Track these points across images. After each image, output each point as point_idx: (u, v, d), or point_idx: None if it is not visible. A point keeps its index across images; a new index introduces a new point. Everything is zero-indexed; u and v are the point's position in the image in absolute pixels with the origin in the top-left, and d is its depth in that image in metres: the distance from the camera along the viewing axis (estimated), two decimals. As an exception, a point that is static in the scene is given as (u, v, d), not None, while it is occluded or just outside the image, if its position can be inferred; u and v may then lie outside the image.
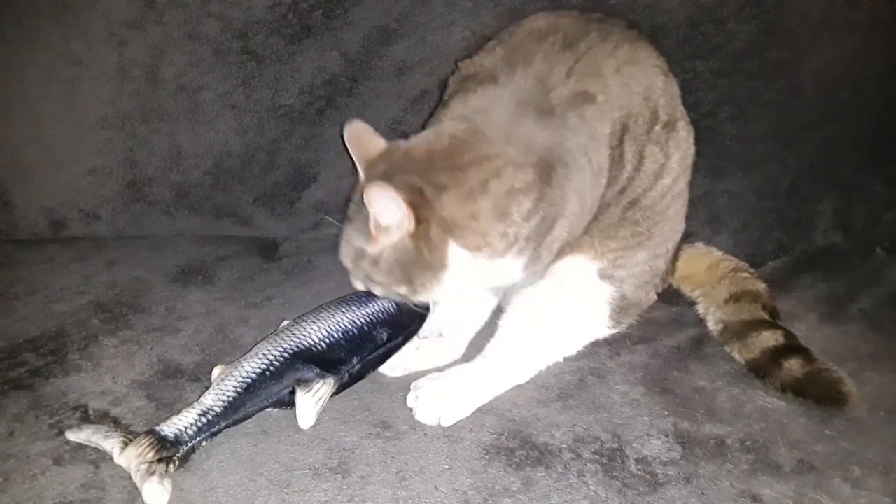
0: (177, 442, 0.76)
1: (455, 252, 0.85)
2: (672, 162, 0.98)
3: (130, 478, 0.74)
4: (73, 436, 0.80)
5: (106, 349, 0.98)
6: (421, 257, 0.84)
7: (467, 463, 0.79)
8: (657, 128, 0.96)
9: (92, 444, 0.78)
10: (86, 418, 0.84)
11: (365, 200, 0.82)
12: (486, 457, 0.80)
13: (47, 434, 0.82)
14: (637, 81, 0.95)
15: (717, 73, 1.26)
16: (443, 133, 0.88)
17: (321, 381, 0.83)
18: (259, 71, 1.30)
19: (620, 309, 1.01)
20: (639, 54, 0.97)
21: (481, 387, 0.90)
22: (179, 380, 0.93)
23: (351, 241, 0.89)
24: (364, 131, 0.90)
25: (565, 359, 0.98)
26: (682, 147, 0.99)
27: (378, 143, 0.90)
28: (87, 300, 1.11)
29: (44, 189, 1.35)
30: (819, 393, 0.91)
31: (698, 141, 1.03)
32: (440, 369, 0.93)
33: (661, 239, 1.01)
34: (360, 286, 0.92)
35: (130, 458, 0.74)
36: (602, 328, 1.02)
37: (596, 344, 1.02)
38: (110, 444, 0.76)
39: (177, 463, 0.75)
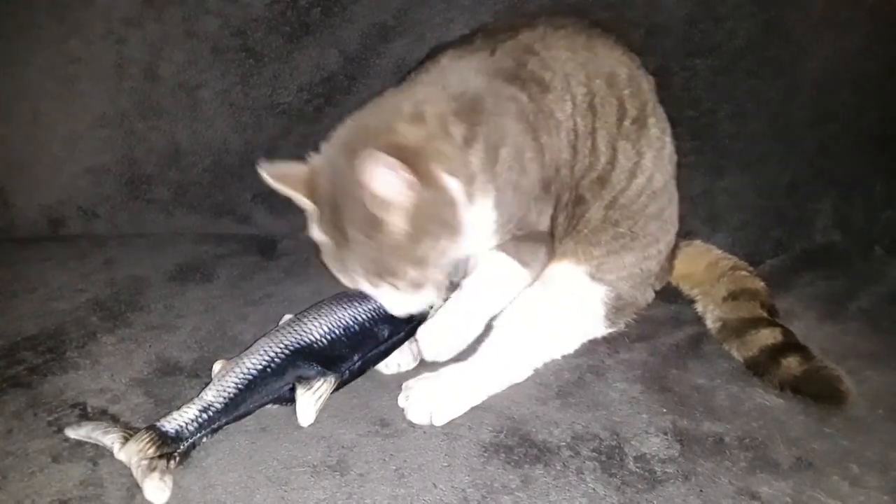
0: (178, 438, 0.76)
1: (448, 181, 0.84)
2: (645, 160, 0.98)
3: (129, 474, 0.74)
4: (72, 433, 0.79)
5: (104, 347, 0.98)
6: (433, 196, 0.82)
7: (466, 460, 0.79)
8: (626, 123, 0.97)
9: (92, 440, 0.78)
10: (84, 416, 0.84)
11: (362, 179, 0.77)
12: (485, 454, 0.80)
13: (46, 432, 0.81)
14: (594, 65, 0.96)
15: (717, 72, 1.26)
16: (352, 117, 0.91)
17: (322, 379, 0.83)
18: (258, 68, 1.30)
19: (616, 309, 1.01)
20: (596, 45, 0.98)
21: (475, 386, 0.89)
22: (178, 377, 0.93)
23: (366, 263, 0.84)
24: (281, 165, 0.90)
25: (564, 357, 0.98)
26: (654, 146, 0.99)
27: (301, 167, 0.90)
28: (86, 298, 1.11)
29: (42, 187, 1.35)
30: (817, 391, 0.91)
31: (698, 139, 1.02)
32: (433, 369, 0.92)
33: (647, 241, 1.01)
34: (408, 303, 0.88)
35: (131, 453, 0.74)
36: (599, 327, 1.02)
37: (594, 342, 1.02)
38: (110, 439, 0.76)
39: (177, 459, 0.75)
